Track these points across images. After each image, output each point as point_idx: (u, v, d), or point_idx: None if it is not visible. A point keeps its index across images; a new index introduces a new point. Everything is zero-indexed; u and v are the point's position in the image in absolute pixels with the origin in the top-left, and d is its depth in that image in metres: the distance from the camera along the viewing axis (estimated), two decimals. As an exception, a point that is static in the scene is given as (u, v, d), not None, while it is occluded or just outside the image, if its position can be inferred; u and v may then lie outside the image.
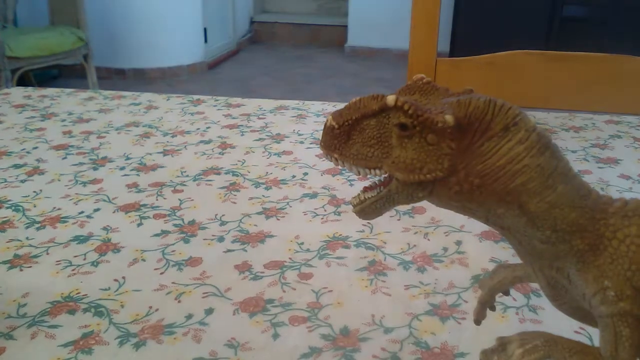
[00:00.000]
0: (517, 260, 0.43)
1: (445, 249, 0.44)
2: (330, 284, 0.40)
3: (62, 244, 0.45)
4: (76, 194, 0.53)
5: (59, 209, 0.50)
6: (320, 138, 0.24)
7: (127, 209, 0.50)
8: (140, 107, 0.78)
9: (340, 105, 0.91)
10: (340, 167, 0.24)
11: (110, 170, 0.58)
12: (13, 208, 0.50)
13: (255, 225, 0.48)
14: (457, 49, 3.92)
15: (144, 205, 0.51)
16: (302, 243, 0.45)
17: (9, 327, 0.35)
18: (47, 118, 0.73)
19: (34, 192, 0.53)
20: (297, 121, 0.72)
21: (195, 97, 0.83)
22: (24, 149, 0.63)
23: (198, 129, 0.70)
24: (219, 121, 0.73)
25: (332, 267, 0.42)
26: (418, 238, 0.46)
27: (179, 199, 0.52)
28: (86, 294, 0.39)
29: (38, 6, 3.31)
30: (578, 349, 0.23)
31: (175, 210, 0.50)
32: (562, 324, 0.36)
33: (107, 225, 0.48)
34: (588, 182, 0.23)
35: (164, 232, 0.47)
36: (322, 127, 0.23)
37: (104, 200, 0.52)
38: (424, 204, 0.50)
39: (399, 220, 0.48)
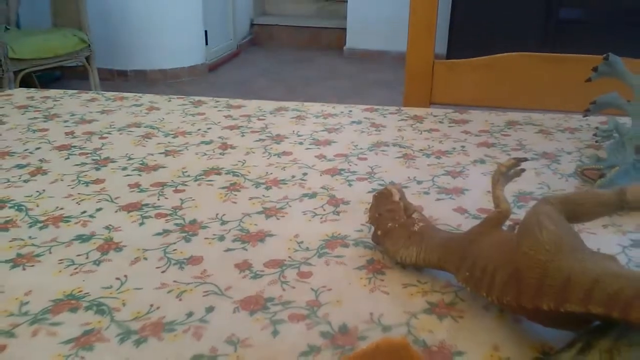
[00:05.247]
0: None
1: (443, 249, 0.45)
2: (329, 282, 0.40)
3: (64, 243, 0.45)
4: (79, 193, 0.54)
5: (61, 208, 0.51)
6: None
7: (129, 208, 0.51)
8: (141, 108, 0.79)
9: (340, 107, 0.90)
10: None
11: (113, 170, 0.59)
12: (16, 208, 0.51)
13: (256, 224, 0.48)
14: (454, 51, 3.93)
15: (146, 204, 0.52)
16: (302, 242, 0.46)
17: (11, 325, 0.36)
18: (50, 119, 0.74)
19: (37, 191, 0.54)
20: (296, 122, 0.73)
21: (196, 98, 0.83)
22: (27, 150, 0.64)
23: (199, 129, 0.71)
24: (219, 122, 0.73)
25: (331, 266, 0.42)
26: (416, 238, 0.46)
27: (180, 199, 0.53)
28: (88, 293, 0.39)
29: (40, 8, 3.32)
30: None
31: (177, 210, 0.51)
32: (557, 322, 0.37)
33: (109, 225, 0.48)
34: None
35: (166, 232, 0.47)
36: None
37: (106, 200, 0.52)
38: (423, 203, 0.51)
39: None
